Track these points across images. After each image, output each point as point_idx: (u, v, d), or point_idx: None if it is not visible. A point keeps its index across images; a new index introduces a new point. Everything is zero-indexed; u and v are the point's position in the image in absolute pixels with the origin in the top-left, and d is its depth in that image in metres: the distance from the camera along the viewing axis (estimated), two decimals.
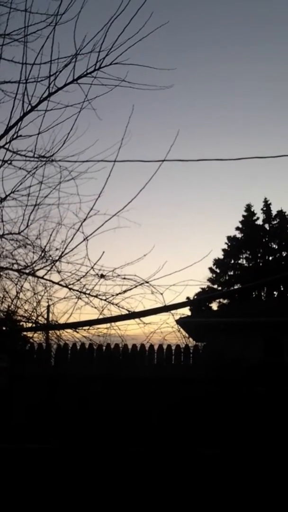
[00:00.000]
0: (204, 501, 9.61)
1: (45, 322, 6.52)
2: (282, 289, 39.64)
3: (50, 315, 6.53)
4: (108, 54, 5.63)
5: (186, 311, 29.44)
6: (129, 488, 9.90)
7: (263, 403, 12.39)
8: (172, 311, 6.08)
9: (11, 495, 9.60)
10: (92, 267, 6.11)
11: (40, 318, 6.36)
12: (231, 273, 42.17)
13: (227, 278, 42.00)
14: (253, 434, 11.82)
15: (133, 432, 12.13)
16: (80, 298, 6.21)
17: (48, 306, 6.55)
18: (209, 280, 41.78)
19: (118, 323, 6.19)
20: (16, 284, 6.32)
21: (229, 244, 42.45)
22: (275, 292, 39.99)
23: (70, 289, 6.22)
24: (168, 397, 12.76)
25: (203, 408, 12.37)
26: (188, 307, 31.87)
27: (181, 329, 6.71)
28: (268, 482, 10.09)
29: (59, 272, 6.25)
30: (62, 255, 6.17)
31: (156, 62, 5.77)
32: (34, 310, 6.32)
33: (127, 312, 6.09)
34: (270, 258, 42.00)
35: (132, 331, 6.49)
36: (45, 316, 6.55)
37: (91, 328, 6.20)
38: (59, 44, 5.53)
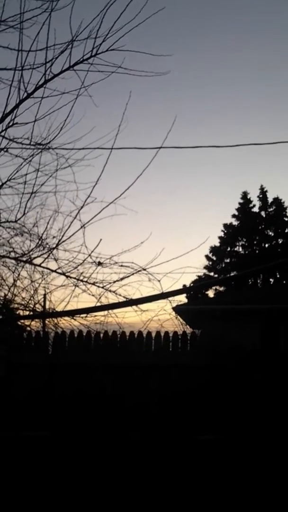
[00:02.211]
0: (204, 487, 9.66)
1: (43, 310, 6.52)
2: (278, 276, 39.69)
3: (48, 303, 6.55)
4: (105, 41, 5.62)
5: (183, 299, 29.56)
6: (130, 476, 9.95)
7: (260, 389, 12.46)
8: (170, 298, 6.08)
9: (10, 483, 9.64)
10: (89, 255, 6.12)
11: (37, 306, 6.36)
12: (228, 260, 42.22)
13: (223, 265, 42.06)
14: (251, 420, 11.89)
15: (133, 418, 12.18)
16: (78, 286, 6.21)
17: (45, 294, 6.56)
18: (206, 267, 41.85)
19: (115, 311, 6.20)
20: (13, 272, 6.32)
21: (225, 231, 42.46)
22: (271, 279, 40.06)
23: (67, 276, 6.22)
24: (167, 383, 12.81)
25: (201, 394, 12.43)
26: (185, 295, 32.07)
27: (178, 317, 6.73)
28: (265, 470, 10.16)
29: (56, 260, 6.26)
30: (59, 243, 6.17)
31: (153, 48, 5.76)
32: (32, 298, 6.32)
33: (124, 300, 6.10)
34: (267, 245, 42.04)
35: (129, 319, 6.50)
36: (42, 304, 6.56)
37: (88, 315, 6.21)
38: (55, 30, 5.51)
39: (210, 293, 40.45)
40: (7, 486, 9.33)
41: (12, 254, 6.33)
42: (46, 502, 8.77)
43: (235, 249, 42.42)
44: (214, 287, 40.90)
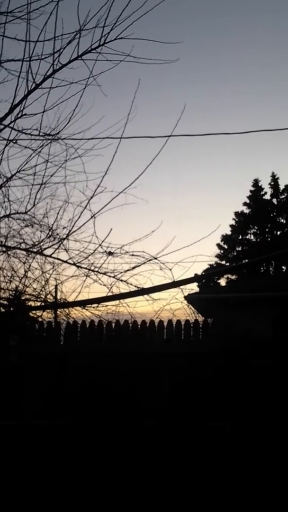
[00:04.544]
0: (215, 471, 9.72)
1: (54, 300, 6.54)
2: None
3: (59, 293, 6.55)
4: (113, 29, 5.59)
5: (194, 287, 29.57)
6: (143, 460, 10.00)
7: (272, 376, 12.45)
8: (181, 287, 6.10)
9: (22, 473, 9.71)
10: (100, 245, 6.12)
11: (48, 296, 6.38)
12: (239, 248, 42.14)
13: (235, 254, 41.99)
14: (261, 406, 11.89)
15: (146, 405, 12.22)
16: (89, 276, 6.22)
17: (56, 285, 6.57)
18: (217, 256, 41.82)
19: (127, 300, 6.22)
20: (24, 263, 6.33)
21: (236, 219, 42.34)
22: (283, 267, 39.94)
23: (78, 267, 6.23)
24: (179, 371, 12.83)
25: (213, 382, 12.44)
26: (197, 284, 32.05)
27: (190, 305, 6.73)
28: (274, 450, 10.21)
29: (67, 250, 6.26)
30: (70, 233, 6.18)
31: (162, 35, 5.73)
32: (43, 289, 6.34)
33: (136, 289, 6.11)
34: (278, 233, 41.90)
35: (141, 308, 6.52)
36: (54, 294, 6.57)
37: (100, 305, 6.23)
38: (62, 20, 5.49)
39: (222, 282, 40.44)
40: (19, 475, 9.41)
41: (23, 246, 6.34)
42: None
43: (247, 237, 42.31)
44: (226, 276, 40.88)
